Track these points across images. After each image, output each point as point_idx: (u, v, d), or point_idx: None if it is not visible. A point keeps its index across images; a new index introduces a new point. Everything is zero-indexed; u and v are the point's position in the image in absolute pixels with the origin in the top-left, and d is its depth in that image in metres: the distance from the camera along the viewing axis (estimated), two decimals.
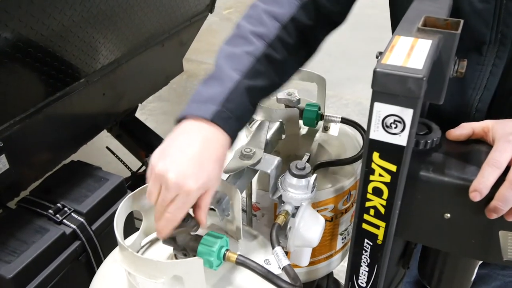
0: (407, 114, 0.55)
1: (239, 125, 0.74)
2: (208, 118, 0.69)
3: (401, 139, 0.58)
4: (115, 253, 0.80)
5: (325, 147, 1.10)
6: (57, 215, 1.21)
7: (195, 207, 0.69)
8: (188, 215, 0.70)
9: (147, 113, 3.25)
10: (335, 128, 1.07)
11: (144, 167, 1.93)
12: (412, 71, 0.53)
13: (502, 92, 0.79)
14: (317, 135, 1.12)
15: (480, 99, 0.80)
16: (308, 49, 0.86)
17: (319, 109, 1.05)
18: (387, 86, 0.54)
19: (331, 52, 3.29)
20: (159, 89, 1.97)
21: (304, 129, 1.13)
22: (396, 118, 0.56)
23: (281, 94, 1.06)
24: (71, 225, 1.21)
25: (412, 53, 0.56)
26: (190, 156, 0.66)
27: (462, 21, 0.62)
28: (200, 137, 0.69)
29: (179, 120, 0.72)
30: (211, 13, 1.95)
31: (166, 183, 0.64)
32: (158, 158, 0.67)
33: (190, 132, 0.69)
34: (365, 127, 0.60)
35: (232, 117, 0.71)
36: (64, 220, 1.21)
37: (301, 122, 1.07)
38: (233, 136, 0.72)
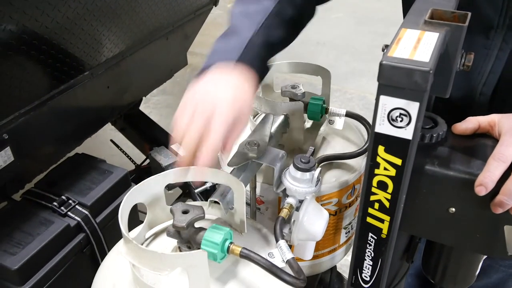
0: (413, 107, 0.55)
1: (264, 63, 0.79)
2: (234, 59, 0.74)
3: (407, 133, 0.57)
4: (120, 246, 0.80)
5: (329, 141, 1.10)
6: (62, 208, 1.21)
7: (224, 142, 0.70)
8: (191, 206, 0.71)
9: (151, 106, 3.25)
10: (339, 122, 1.07)
11: (148, 160, 1.93)
12: (418, 64, 0.53)
13: (507, 76, 0.79)
14: (322, 128, 1.11)
15: (485, 82, 0.80)
16: (314, 4, 0.90)
17: (324, 102, 1.05)
18: (393, 79, 0.54)
19: (336, 45, 3.27)
20: (163, 82, 1.97)
21: (308, 123, 1.12)
22: (402, 112, 0.56)
23: (286, 87, 1.05)
24: (76, 217, 1.21)
25: (419, 46, 0.56)
26: (223, 86, 0.70)
27: (469, 14, 0.61)
28: (230, 73, 0.73)
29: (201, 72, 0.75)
30: (215, 6, 1.94)
31: (202, 111, 0.67)
32: (194, 87, 0.71)
33: (218, 73, 0.73)
34: (370, 121, 0.60)
35: (258, 57, 0.77)
36: (69, 213, 1.21)
37: (305, 115, 1.07)
38: (260, 74, 0.77)
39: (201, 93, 0.70)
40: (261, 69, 0.78)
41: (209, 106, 0.68)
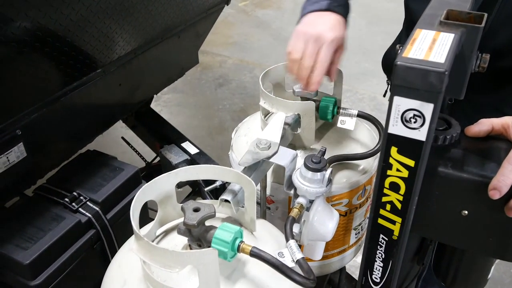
0: (428, 108, 0.54)
1: (346, 11, 0.99)
2: (323, 9, 0.95)
3: (421, 134, 0.57)
4: (130, 242, 0.81)
5: (340, 141, 1.09)
6: (73, 204, 1.22)
7: (330, 64, 0.93)
8: (202, 204, 0.71)
9: (162, 104, 3.26)
10: (351, 122, 1.07)
11: (158, 158, 1.94)
12: (433, 65, 0.52)
13: None
14: (333, 129, 1.11)
15: None
16: None
17: (336, 103, 1.04)
18: (408, 80, 0.53)
19: (347, 46, 3.26)
20: (174, 80, 1.97)
21: (320, 123, 1.12)
22: (416, 113, 0.55)
23: (298, 86, 1.05)
24: (87, 213, 1.22)
25: (434, 47, 0.56)
26: (323, 21, 0.93)
27: (485, 15, 0.61)
28: (324, 15, 0.94)
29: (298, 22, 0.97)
30: (227, 5, 1.94)
31: (311, 35, 0.89)
32: (300, 27, 0.93)
33: (313, 16, 0.95)
34: (381, 122, 0.60)
35: (340, 5, 0.97)
36: (80, 209, 1.22)
37: (317, 115, 1.06)
38: (346, 17, 0.98)
39: (307, 28, 0.92)
40: (346, 12, 0.98)
41: (317, 36, 0.89)
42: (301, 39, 0.91)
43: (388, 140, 0.60)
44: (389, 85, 1.32)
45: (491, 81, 1.01)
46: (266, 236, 0.83)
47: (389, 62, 1.27)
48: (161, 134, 1.94)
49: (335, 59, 0.94)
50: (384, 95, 1.34)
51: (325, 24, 0.92)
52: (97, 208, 1.24)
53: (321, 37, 0.89)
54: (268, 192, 1.02)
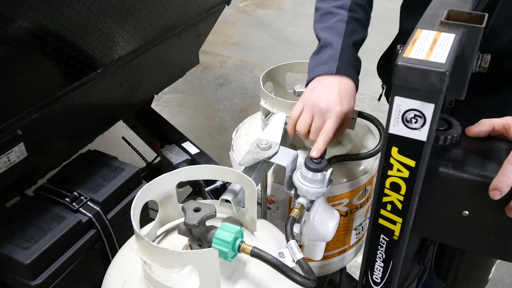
0: (428, 109, 0.54)
1: (356, 71, 0.96)
2: (333, 73, 0.91)
3: (421, 134, 0.57)
4: (131, 242, 0.81)
5: (341, 141, 1.09)
6: (74, 204, 1.22)
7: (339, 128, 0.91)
8: (203, 204, 0.71)
9: (162, 104, 3.26)
10: (352, 123, 1.06)
11: (159, 158, 1.94)
12: (434, 65, 0.52)
13: None
14: None
15: None
16: (372, 3, 1.08)
17: None
18: (408, 80, 0.53)
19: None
20: (175, 80, 1.97)
21: None
22: (417, 113, 0.55)
23: (299, 87, 1.05)
24: (87, 213, 1.22)
25: (435, 47, 0.55)
26: (332, 91, 0.89)
27: (486, 15, 0.61)
28: (334, 82, 0.91)
29: (306, 85, 0.96)
30: (228, 5, 1.94)
31: (319, 109, 0.88)
32: (308, 95, 0.91)
33: (322, 82, 0.92)
34: (382, 122, 0.60)
35: (350, 67, 0.93)
36: (81, 209, 1.22)
37: None
38: (355, 81, 0.94)
39: (315, 99, 0.89)
40: (355, 74, 0.95)
41: (325, 110, 0.88)
42: (309, 110, 0.90)
43: (389, 140, 0.60)
44: (384, 89, 1.32)
45: (492, 84, 1.01)
46: (266, 236, 0.83)
47: (384, 67, 1.28)
48: (162, 134, 1.94)
49: (339, 131, 0.92)
50: (379, 99, 1.34)
51: (334, 94, 0.89)
52: (97, 208, 1.24)
53: (329, 111, 0.88)
54: (268, 192, 1.02)
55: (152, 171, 1.94)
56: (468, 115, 0.77)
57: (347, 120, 0.92)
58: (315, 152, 0.84)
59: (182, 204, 0.74)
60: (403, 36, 0.90)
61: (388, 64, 1.25)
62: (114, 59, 1.39)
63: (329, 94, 0.89)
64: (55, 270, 1.12)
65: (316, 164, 0.84)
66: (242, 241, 0.69)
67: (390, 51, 1.24)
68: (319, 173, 0.84)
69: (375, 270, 0.73)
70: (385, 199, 0.65)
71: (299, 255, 0.71)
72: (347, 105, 0.89)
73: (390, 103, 0.57)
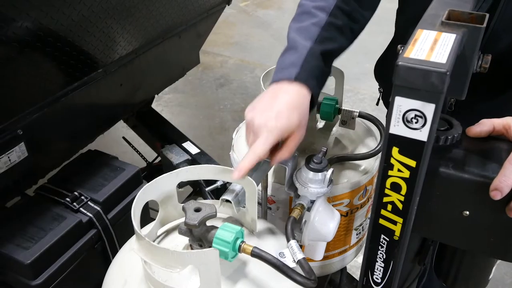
0: (429, 109, 0.54)
1: (318, 83, 0.85)
2: (291, 79, 0.82)
3: (422, 135, 0.57)
4: (131, 242, 0.81)
5: (342, 141, 1.09)
6: (74, 203, 1.22)
7: (282, 146, 0.81)
8: (203, 204, 0.71)
9: (163, 104, 3.27)
10: (352, 123, 1.07)
11: (159, 158, 1.94)
12: (435, 66, 0.52)
13: None
14: (334, 129, 1.11)
15: None
16: (366, 12, 0.94)
17: (337, 103, 1.05)
18: (409, 80, 0.53)
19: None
20: (175, 80, 1.97)
21: (321, 123, 1.12)
22: (417, 113, 0.55)
23: None
24: (88, 213, 1.22)
25: (436, 47, 0.55)
26: (272, 106, 0.80)
27: (487, 15, 0.61)
28: (282, 92, 0.82)
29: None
30: (228, 5, 1.94)
31: (253, 127, 0.79)
32: (248, 112, 0.82)
33: (274, 90, 0.83)
34: (382, 122, 0.60)
35: (311, 76, 0.83)
36: (81, 209, 1.22)
37: (318, 115, 1.06)
38: (314, 92, 0.84)
39: (254, 115, 0.80)
40: (316, 85, 0.85)
41: (258, 127, 0.78)
42: (248, 128, 0.81)
43: (390, 141, 0.59)
44: (381, 93, 1.32)
45: (492, 87, 1.00)
46: (267, 236, 0.83)
47: (380, 71, 1.27)
48: (162, 134, 1.94)
49: (288, 143, 0.80)
50: (377, 104, 1.33)
51: (276, 107, 0.79)
52: (98, 208, 1.24)
53: (260, 128, 0.77)
54: (269, 192, 1.02)
55: (152, 171, 1.94)
56: (467, 119, 0.77)
57: (293, 135, 0.80)
58: (236, 173, 0.75)
59: (182, 204, 0.74)
60: (398, 41, 0.85)
61: (384, 68, 1.24)
62: (114, 59, 1.39)
63: (268, 108, 0.80)
64: (55, 270, 1.12)
65: (316, 164, 0.84)
66: (242, 241, 0.69)
67: (385, 55, 1.24)
68: (319, 173, 0.84)
69: (375, 270, 0.73)
70: (385, 199, 0.65)
71: (300, 255, 0.71)
72: (286, 120, 0.78)
73: (391, 103, 0.57)
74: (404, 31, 1.10)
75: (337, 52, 0.90)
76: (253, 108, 0.82)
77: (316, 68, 0.84)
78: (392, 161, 0.61)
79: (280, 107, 0.79)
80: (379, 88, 1.32)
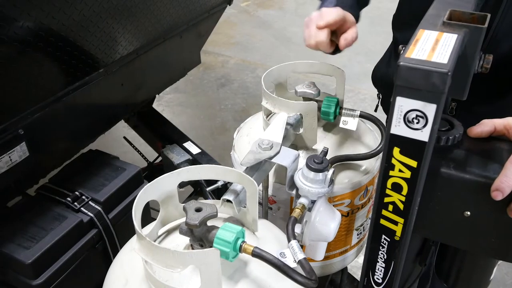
0: (430, 109, 0.54)
1: (354, 11, 1.02)
2: (333, 4, 1.00)
3: (423, 135, 0.57)
4: (132, 242, 0.81)
5: (343, 141, 1.09)
6: (75, 203, 1.23)
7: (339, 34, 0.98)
8: (204, 204, 0.71)
9: (164, 104, 3.27)
10: (353, 123, 1.06)
11: (160, 158, 1.94)
12: (436, 66, 0.52)
13: None
14: (335, 129, 1.11)
15: None
16: None
17: (338, 103, 1.04)
18: (410, 80, 0.53)
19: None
20: (176, 80, 1.97)
21: (322, 123, 1.12)
22: (419, 113, 0.55)
23: (300, 87, 1.05)
24: (89, 213, 1.22)
25: (437, 48, 0.55)
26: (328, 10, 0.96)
27: (488, 15, 0.61)
28: (325, 10, 0.97)
29: None
30: (229, 5, 1.94)
31: (310, 20, 0.97)
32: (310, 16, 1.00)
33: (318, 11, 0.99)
34: (383, 122, 0.60)
35: (347, 6, 1.00)
36: (82, 208, 1.22)
37: (319, 115, 1.06)
38: (353, 12, 1.01)
39: (314, 14, 0.98)
40: (352, 11, 1.00)
41: (309, 19, 0.97)
42: (304, 26, 0.99)
43: (391, 141, 0.59)
44: (380, 99, 1.32)
45: (493, 91, 1.00)
46: (268, 236, 0.83)
47: (378, 77, 1.27)
48: (163, 134, 1.94)
49: (342, 31, 0.97)
50: (376, 110, 1.33)
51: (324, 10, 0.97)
52: (99, 208, 1.24)
53: (312, 18, 0.97)
54: (270, 192, 1.02)
55: (153, 171, 1.94)
56: (468, 122, 0.77)
57: (345, 22, 0.96)
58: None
59: (183, 204, 0.74)
60: (397, 46, 0.92)
61: (383, 73, 1.24)
62: (115, 59, 1.39)
63: (326, 11, 0.97)
64: (56, 270, 1.13)
65: (317, 164, 0.84)
66: (243, 241, 0.69)
67: (383, 60, 1.24)
68: (320, 173, 0.84)
69: (376, 270, 0.73)
70: (386, 199, 0.65)
71: (301, 255, 0.71)
72: (334, 11, 0.95)
73: (392, 103, 0.57)
74: (400, 36, 1.11)
75: None
76: (312, 15, 0.99)
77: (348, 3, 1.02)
78: (393, 161, 0.61)
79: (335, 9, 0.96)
80: (378, 94, 1.32)
